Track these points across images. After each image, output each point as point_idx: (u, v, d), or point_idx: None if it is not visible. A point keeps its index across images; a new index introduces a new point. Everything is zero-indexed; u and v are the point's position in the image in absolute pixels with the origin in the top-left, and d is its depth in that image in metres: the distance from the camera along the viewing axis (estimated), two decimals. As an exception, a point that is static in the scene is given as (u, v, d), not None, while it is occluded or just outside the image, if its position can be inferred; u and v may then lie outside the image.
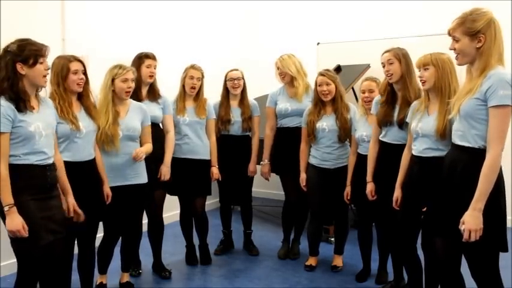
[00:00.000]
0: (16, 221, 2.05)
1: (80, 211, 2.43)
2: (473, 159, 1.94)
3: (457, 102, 2.01)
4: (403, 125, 2.70)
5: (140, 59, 3.15)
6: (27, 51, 2.11)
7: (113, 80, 2.78)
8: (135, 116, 2.87)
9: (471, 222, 1.88)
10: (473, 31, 1.94)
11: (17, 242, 2.12)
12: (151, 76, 3.16)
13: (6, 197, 2.05)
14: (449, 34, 2.02)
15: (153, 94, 3.22)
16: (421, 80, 2.42)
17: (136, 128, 2.86)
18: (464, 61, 2.03)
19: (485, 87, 1.90)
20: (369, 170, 2.95)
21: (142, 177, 2.91)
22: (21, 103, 2.11)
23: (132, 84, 2.84)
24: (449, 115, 2.13)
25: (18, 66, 2.10)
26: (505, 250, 2.00)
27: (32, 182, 2.14)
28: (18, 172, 2.09)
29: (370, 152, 2.94)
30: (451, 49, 2.04)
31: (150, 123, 2.96)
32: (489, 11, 1.97)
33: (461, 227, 1.91)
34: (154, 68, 3.18)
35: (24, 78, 2.13)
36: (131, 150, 2.81)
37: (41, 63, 2.15)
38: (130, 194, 2.84)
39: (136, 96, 3.12)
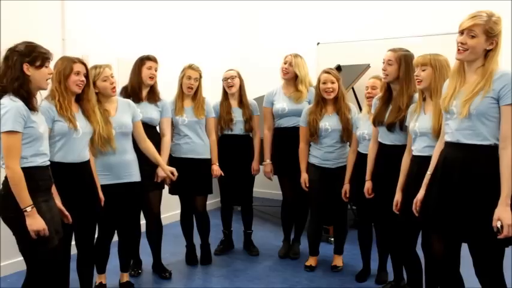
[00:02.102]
0: (39, 221, 2.05)
1: (67, 214, 2.39)
2: (488, 156, 1.97)
3: (464, 102, 2.00)
4: (392, 128, 2.71)
5: (142, 61, 3.18)
6: (36, 53, 2.12)
7: (94, 83, 2.75)
8: (124, 113, 2.89)
9: (508, 217, 1.91)
10: (493, 33, 1.98)
11: (32, 246, 2.09)
12: (151, 78, 3.17)
13: (26, 198, 2.04)
14: (467, 28, 2.00)
15: (153, 96, 3.22)
16: (416, 79, 2.44)
17: (128, 124, 2.87)
18: (468, 58, 2.03)
19: (498, 87, 1.94)
20: (368, 169, 2.97)
21: (135, 176, 2.92)
22: (32, 102, 2.11)
23: (114, 80, 2.85)
24: (460, 115, 2.08)
25: (25, 66, 2.09)
26: None
27: (40, 184, 2.14)
28: (28, 175, 2.07)
29: (369, 151, 2.96)
30: (462, 43, 2.02)
31: (140, 119, 2.98)
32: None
33: (498, 224, 1.92)
34: (155, 71, 3.20)
35: (30, 79, 2.12)
36: (125, 147, 2.85)
37: (47, 67, 2.16)
38: (124, 192, 2.83)
39: (136, 97, 3.15)
